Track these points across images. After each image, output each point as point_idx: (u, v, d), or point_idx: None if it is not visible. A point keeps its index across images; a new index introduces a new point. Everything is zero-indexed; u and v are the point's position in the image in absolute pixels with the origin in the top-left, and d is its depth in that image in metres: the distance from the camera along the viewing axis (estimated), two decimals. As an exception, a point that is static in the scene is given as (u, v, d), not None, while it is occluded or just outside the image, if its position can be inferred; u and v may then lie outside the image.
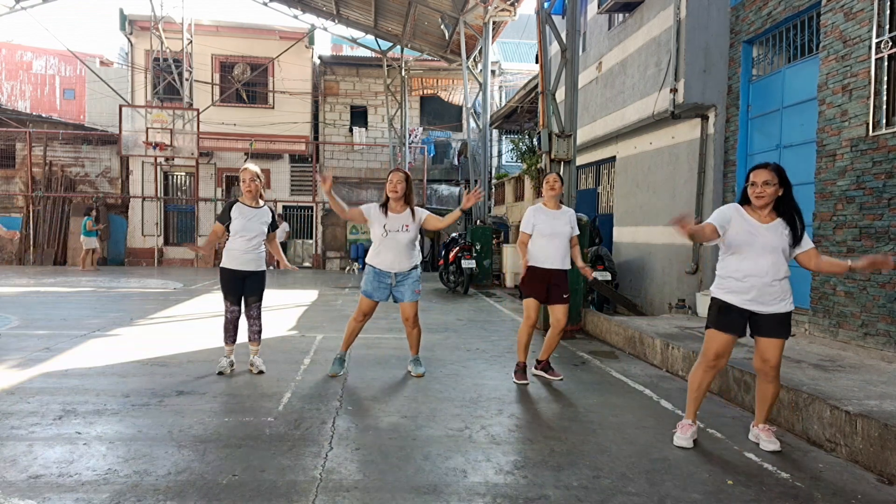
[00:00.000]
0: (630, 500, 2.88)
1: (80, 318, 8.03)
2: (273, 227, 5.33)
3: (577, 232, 5.25)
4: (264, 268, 5.28)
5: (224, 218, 5.15)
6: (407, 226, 4.97)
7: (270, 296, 10.95)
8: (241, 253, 5.12)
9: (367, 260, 5.14)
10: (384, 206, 5.03)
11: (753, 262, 3.48)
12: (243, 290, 5.20)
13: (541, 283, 5.09)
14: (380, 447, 3.49)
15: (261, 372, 5.20)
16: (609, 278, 9.24)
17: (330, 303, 10.52)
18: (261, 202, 5.27)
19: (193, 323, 8.01)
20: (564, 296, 5.09)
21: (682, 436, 3.65)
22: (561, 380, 5.11)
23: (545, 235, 5.06)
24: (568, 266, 5.15)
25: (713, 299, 3.67)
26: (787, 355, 5.19)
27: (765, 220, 3.51)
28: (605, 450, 3.52)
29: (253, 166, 5.22)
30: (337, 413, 4.10)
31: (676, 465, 3.32)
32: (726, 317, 3.56)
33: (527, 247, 5.13)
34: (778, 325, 3.51)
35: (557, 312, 5.10)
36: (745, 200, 3.59)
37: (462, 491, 2.93)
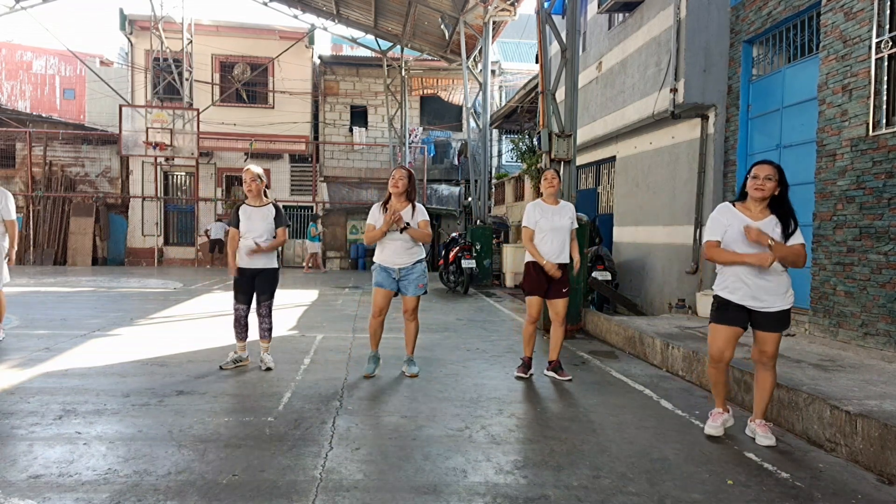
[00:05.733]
0: (630, 500, 2.88)
1: (80, 318, 8.03)
2: (280, 222, 5.36)
3: (577, 226, 5.37)
4: (275, 265, 5.36)
5: (235, 221, 5.30)
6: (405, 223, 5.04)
7: (270, 296, 10.96)
8: (249, 251, 5.22)
9: (374, 258, 5.24)
10: (385, 203, 5.13)
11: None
12: (253, 287, 5.31)
13: (542, 279, 5.19)
14: (380, 447, 3.49)
15: (269, 369, 5.29)
16: (609, 278, 9.23)
17: (330, 303, 10.52)
18: (265, 200, 5.38)
19: (193, 323, 8.01)
20: (564, 290, 5.21)
21: (712, 424, 3.78)
22: (570, 380, 5.14)
23: (545, 230, 5.18)
24: (567, 259, 5.25)
25: (714, 296, 3.79)
26: (788, 355, 5.20)
27: (757, 216, 3.61)
28: (605, 450, 3.52)
29: (255, 167, 5.34)
30: (337, 413, 4.10)
31: (676, 465, 3.32)
32: (725, 312, 3.69)
33: (533, 242, 5.22)
34: (776, 321, 3.60)
35: (556, 306, 5.23)
36: (741, 197, 3.70)
37: (462, 491, 2.93)
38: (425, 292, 5.25)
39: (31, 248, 19.37)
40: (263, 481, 2.97)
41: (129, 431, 3.65)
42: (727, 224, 3.64)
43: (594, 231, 9.81)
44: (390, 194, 5.10)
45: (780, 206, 3.58)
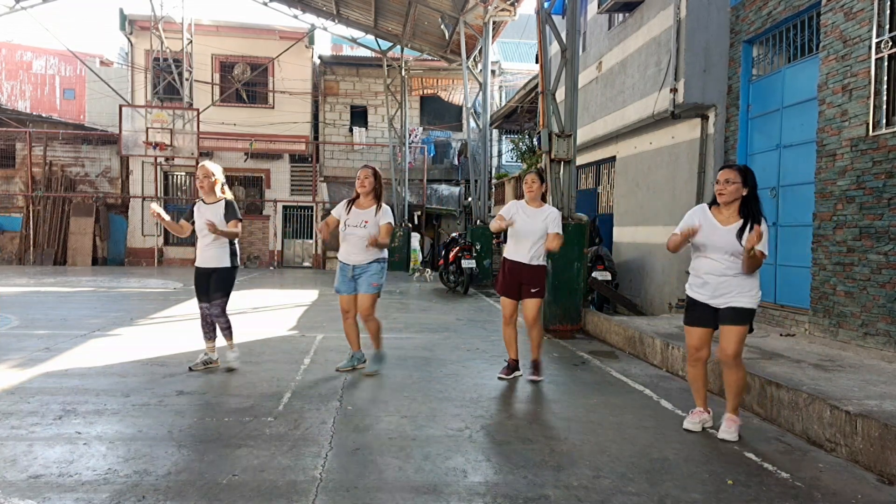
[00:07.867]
0: (630, 500, 2.88)
1: (80, 318, 8.03)
2: (231, 216, 5.18)
3: (558, 230, 5.01)
4: (227, 264, 5.18)
5: (188, 215, 5.27)
6: (366, 222, 5.05)
7: (271, 296, 10.97)
8: (201, 251, 5.19)
9: (338, 254, 5.28)
10: (352, 201, 5.19)
11: (709, 261, 3.72)
12: (208, 286, 5.18)
13: (512, 279, 5.11)
14: (380, 447, 3.49)
15: (230, 369, 5.22)
16: (609, 278, 9.23)
17: (330, 303, 10.51)
18: (217, 197, 5.24)
19: (193, 323, 7.96)
20: (533, 290, 5.06)
21: (690, 420, 3.89)
22: (539, 381, 5.03)
23: (517, 232, 5.08)
24: (538, 263, 5.09)
25: (686, 296, 3.91)
26: (788, 355, 5.20)
27: (727, 221, 3.70)
28: (605, 450, 3.52)
29: (210, 164, 5.27)
30: (337, 413, 4.10)
31: (676, 465, 3.32)
32: (693, 312, 3.82)
33: (500, 225, 5.05)
34: (735, 315, 3.65)
35: (525, 306, 5.12)
36: (715, 201, 3.81)
37: (462, 491, 2.93)
38: (378, 293, 5.21)
39: (31, 248, 19.36)
40: (263, 481, 2.97)
41: (129, 431, 3.65)
42: (696, 224, 3.73)
43: (594, 231, 9.80)
44: (358, 193, 5.13)
45: (745, 207, 3.66)
